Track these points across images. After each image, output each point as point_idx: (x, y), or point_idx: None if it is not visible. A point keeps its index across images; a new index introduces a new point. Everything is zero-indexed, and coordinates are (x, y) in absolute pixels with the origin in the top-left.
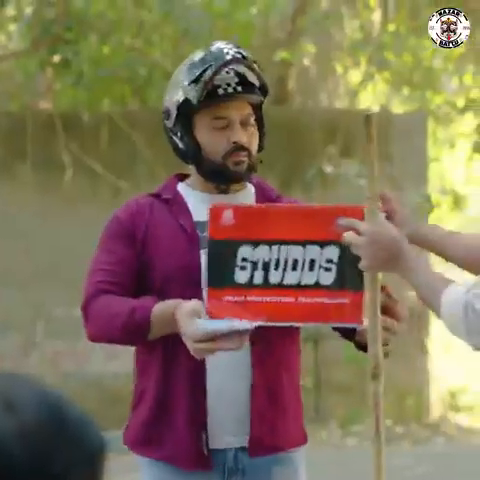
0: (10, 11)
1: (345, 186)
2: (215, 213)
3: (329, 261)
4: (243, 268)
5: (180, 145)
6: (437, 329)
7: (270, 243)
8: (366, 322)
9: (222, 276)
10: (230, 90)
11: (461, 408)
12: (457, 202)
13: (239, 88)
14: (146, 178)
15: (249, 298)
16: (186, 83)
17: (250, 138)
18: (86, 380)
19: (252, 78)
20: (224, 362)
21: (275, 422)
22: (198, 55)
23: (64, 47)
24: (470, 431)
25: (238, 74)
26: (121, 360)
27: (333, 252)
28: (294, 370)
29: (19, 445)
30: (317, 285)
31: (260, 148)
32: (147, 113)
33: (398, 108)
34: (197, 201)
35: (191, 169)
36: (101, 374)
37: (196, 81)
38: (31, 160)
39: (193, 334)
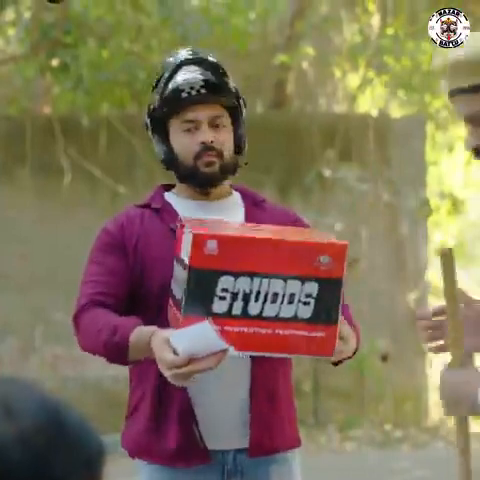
0: (9, 15)
1: (344, 190)
2: (199, 241)
3: (308, 295)
4: (222, 298)
5: (160, 154)
6: None
7: (252, 275)
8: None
9: (199, 305)
10: (194, 93)
11: None
12: (456, 206)
13: (203, 90)
14: (145, 183)
15: (226, 328)
16: (153, 90)
17: (220, 138)
18: (85, 384)
19: (217, 80)
20: (223, 365)
21: (273, 424)
22: (162, 63)
23: (63, 51)
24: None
25: (202, 78)
26: None
27: (313, 287)
28: (288, 373)
29: (19, 450)
30: (295, 318)
31: (240, 150)
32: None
33: (397, 112)
34: (186, 208)
35: (164, 179)
36: (100, 378)
37: (159, 86)
38: (30, 164)
39: (169, 362)
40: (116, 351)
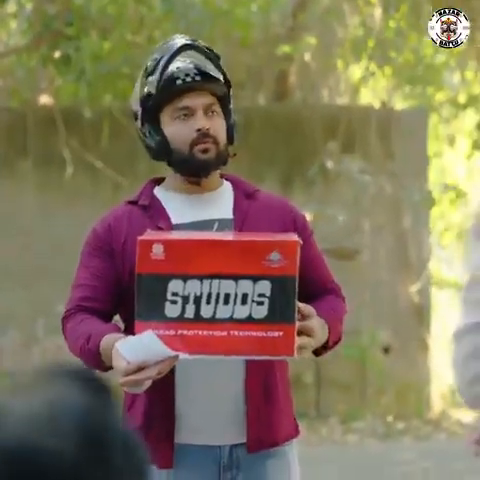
0: (11, 7)
1: (347, 182)
2: (144, 246)
3: (261, 295)
4: (174, 302)
5: (151, 143)
6: (438, 325)
7: (201, 277)
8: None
9: (151, 310)
10: (188, 80)
11: (462, 404)
12: (458, 198)
13: (197, 78)
14: (147, 175)
15: (180, 332)
16: (145, 78)
17: (215, 126)
18: None
19: (211, 69)
20: (217, 359)
21: (270, 417)
22: (154, 51)
23: (65, 43)
24: (471, 427)
25: (196, 65)
26: None
27: (265, 286)
28: (285, 365)
29: (57, 456)
30: (250, 319)
31: (231, 140)
32: None
33: (399, 104)
34: (175, 203)
35: (166, 171)
36: None
37: (152, 73)
38: (32, 156)
39: (120, 369)
40: (90, 358)
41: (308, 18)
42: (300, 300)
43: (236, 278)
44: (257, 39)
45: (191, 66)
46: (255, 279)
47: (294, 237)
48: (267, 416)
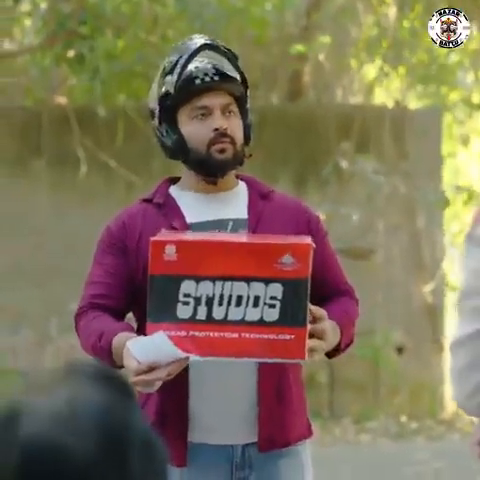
0: (25, 6)
1: (360, 182)
2: (157, 247)
3: (273, 298)
4: (186, 303)
5: (168, 142)
6: (451, 325)
7: (214, 279)
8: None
9: (163, 311)
10: (207, 79)
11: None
12: (471, 199)
13: (216, 78)
14: (161, 174)
15: (191, 333)
16: (163, 77)
17: (232, 126)
18: None
19: (229, 69)
20: (227, 361)
21: (283, 418)
22: (172, 50)
23: (79, 42)
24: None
25: (215, 65)
26: None
27: (277, 289)
28: (298, 365)
29: (77, 453)
30: (261, 321)
31: (247, 141)
32: None
33: (413, 104)
34: (189, 202)
35: (182, 169)
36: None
37: (171, 72)
38: (45, 155)
39: (131, 369)
40: (102, 356)
41: (322, 17)
42: (313, 302)
43: (248, 280)
44: (271, 38)
45: (209, 66)
46: (267, 282)
47: (307, 240)
48: (279, 416)
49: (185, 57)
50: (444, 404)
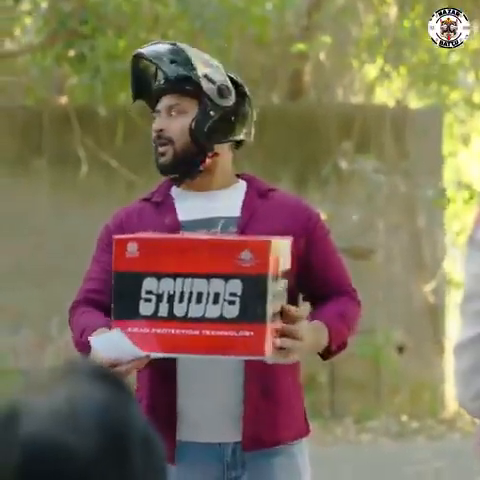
0: (26, 5)
1: (361, 182)
2: (120, 245)
3: (233, 294)
4: (148, 300)
5: None
6: (452, 324)
7: (174, 276)
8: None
9: (127, 308)
10: (156, 85)
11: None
12: (472, 198)
13: (162, 82)
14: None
15: (154, 330)
16: None
17: (172, 127)
18: None
19: (173, 72)
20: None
21: (270, 416)
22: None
23: (80, 41)
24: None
25: (164, 70)
26: None
27: (237, 285)
28: (295, 364)
29: (77, 452)
30: (221, 318)
31: (194, 137)
32: None
33: (414, 103)
34: (185, 201)
35: None
36: None
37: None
38: (46, 155)
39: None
40: (83, 351)
41: (323, 17)
42: (312, 300)
43: (208, 277)
44: (272, 38)
45: (160, 71)
46: (226, 278)
47: (272, 238)
48: (267, 415)
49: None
50: (445, 403)
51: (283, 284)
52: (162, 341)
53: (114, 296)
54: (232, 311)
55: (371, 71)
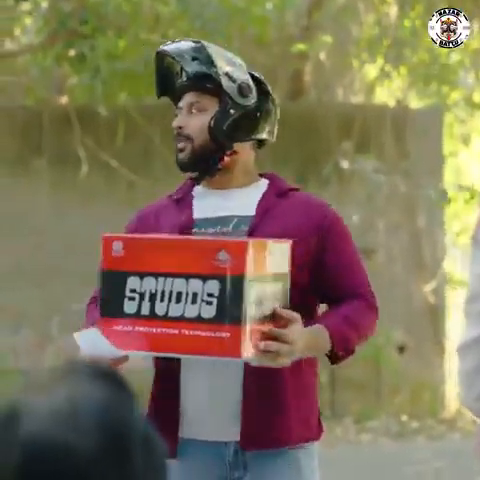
0: (26, 5)
1: (361, 182)
2: (106, 243)
3: (210, 295)
4: (131, 299)
5: None
6: (452, 324)
7: (156, 275)
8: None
9: (113, 306)
10: (178, 82)
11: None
12: (472, 198)
13: (184, 79)
14: (162, 173)
15: (136, 328)
16: None
17: (191, 124)
18: None
19: (194, 70)
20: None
21: (270, 416)
22: None
23: (80, 41)
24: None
25: (185, 68)
26: None
27: (214, 286)
28: (300, 366)
29: (78, 452)
30: (199, 318)
31: (213, 134)
32: (163, 108)
33: (414, 103)
34: (203, 199)
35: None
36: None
37: None
38: (46, 155)
39: None
40: None
41: (323, 17)
42: (328, 303)
43: (187, 277)
44: (272, 38)
45: (183, 69)
46: (204, 278)
47: (247, 239)
48: (267, 416)
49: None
50: (445, 403)
51: (275, 287)
52: (144, 340)
53: (101, 294)
54: (209, 311)
55: (371, 71)
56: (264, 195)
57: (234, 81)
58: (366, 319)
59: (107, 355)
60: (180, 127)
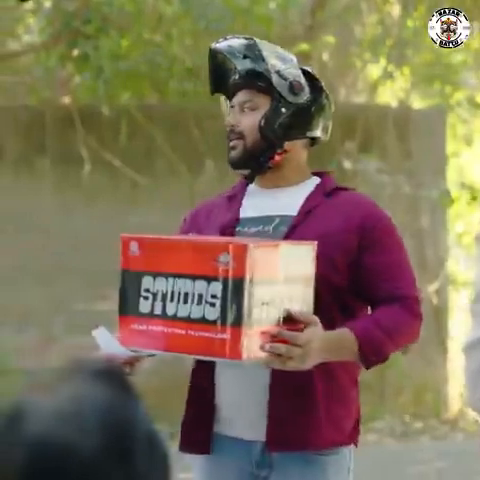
0: (29, 5)
1: (364, 182)
2: (124, 243)
3: (213, 296)
4: (146, 298)
5: None
6: (455, 325)
7: (167, 275)
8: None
9: (130, 305)
10: (231, 80)
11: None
12: (476, 198)
13: (236, 77)
14: (165, 173)
15: (150, 327)
16: None
17: (244, 122)
18: None
19: (246, 68)
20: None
21: (298, 418)
22: None
23: (83, 41)
24: None
25: (237, 66)
26: None
27: (217, 288)
28: (335, 368)
29: (81, 450)
30: (203, 319)
31: (263, 134)
32: (166, 107)
33: (417, 103)
34: (252, 197)
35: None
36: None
37: None
38: (50, 154)
39: (95, 357)
40: None
41: (326, 17)
42: (370, 306)
43: (194, 278)
44: (275, 37)
45: (236, 67)
46: (209, 280)
47: (249, 242)
48: (293, 418)
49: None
50: (448, 404)
51: (292, 289)
52: (156, 339)
53: (119, 292)
54: (213, 313)
55: (374, 71)
56: (310, 194)
57: (285, 79)
58: (402, 324)
59: (120, 354)
60: (233, 125)
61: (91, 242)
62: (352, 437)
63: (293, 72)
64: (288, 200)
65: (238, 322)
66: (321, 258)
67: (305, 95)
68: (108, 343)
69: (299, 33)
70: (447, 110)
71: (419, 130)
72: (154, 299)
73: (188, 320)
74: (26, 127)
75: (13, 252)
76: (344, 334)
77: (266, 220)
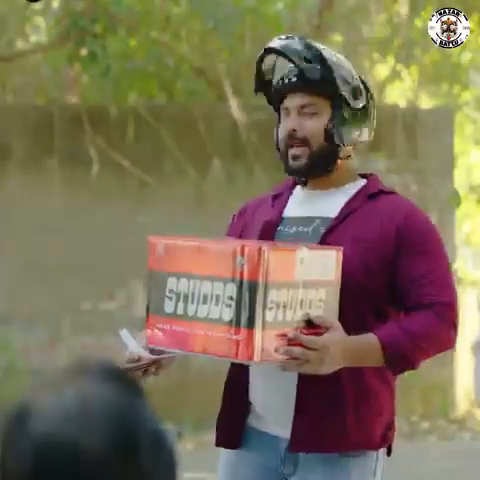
0: (37, 4)
1: None
2: (152, 245)
3: (230, 298)
4: (170, 299)
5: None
6: (463, 325)
7: (188, 277)
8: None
9: (156, 305)
10: (286, 81)
11: None
12: None
13: (293, 79)
14: (173, 173)
15: (173, 327)
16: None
17: (307, 126)
18: None
19: (309, 71)
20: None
21: (324, 417)
22: None
23: (91, 41)
24: None
25: (295, 67)
26: None
27: (232, 289)
28: (365, 370)
29: (85, 447)
30: (220, 320)
31: (328, 139)
32: (174, 107)
33: (425, 103)
34: (297, 197)
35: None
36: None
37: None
38: (58, 154)
39: (124, 355)
40: None
41: (334, 17)
42: (405, 312)
43: (212, 280)
44: None
45: (293, 68)
46: (225, 282)
47: (274, 245)
48: (320, 417)
49: (257, 57)
50: (456, 404)
51: (312, 294)
52: (178, 339)
53: (148, 292)
54: (229, 314)
55: (382, 71)
56: (353, 197)
57: (348, 84)
58: (433, 331)
59: (145, 355)
60: (294, 130)
61: (99, 242)
62: (381, 442)
63: (353, 76)
64: (331, 202)
65: (251, 324)
66: (356, 262)
67: (363, 100)
68: (132, 344)
69: (307, 33)
70: (455, 110)
71: (427, 130)
72: (177, 300)
73: (206, 320)
74: (34, 127)
75: (21, 252)
76: (367, 339)
77: (306, 221)
